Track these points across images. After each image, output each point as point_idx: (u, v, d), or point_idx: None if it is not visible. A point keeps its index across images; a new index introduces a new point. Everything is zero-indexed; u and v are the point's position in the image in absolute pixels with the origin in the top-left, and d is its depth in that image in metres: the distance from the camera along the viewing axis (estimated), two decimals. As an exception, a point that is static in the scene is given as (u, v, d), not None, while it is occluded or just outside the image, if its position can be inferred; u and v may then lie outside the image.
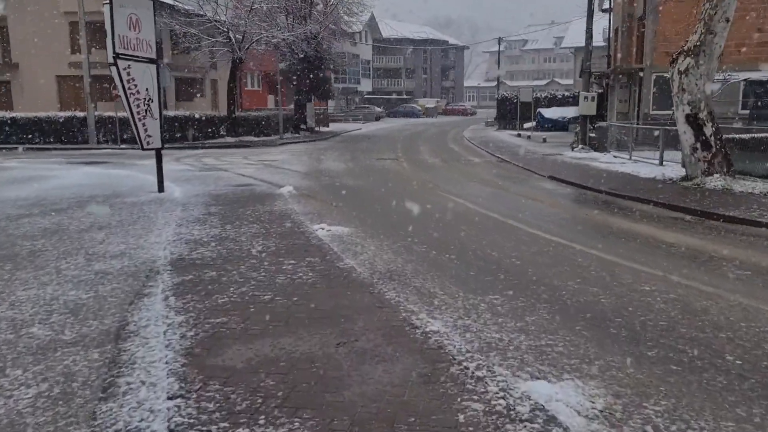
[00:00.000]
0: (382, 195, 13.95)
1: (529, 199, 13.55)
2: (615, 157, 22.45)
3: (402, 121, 62.52)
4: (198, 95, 40.51)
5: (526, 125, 40.79)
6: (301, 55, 36.38)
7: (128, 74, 12.24)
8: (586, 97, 24.69)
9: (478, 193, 14.31)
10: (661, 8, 28.68)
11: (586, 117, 25.04)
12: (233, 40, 30.78)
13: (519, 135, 37.50)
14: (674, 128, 21.77)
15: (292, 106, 43.06)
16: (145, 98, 12.69)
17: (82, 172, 17.59)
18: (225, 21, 30.23)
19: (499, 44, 62.32)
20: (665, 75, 28.61)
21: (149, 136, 12.87)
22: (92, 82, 30.08)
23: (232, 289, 6.32)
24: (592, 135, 24.91)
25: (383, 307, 5.68)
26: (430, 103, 78.33)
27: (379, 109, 65.95)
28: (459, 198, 13.34)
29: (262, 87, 49.12)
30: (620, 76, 35.81)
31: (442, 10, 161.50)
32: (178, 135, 30.11)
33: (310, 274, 6.86)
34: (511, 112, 45.31)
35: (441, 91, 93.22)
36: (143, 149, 12.96)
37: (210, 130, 31.93)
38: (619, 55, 36.53)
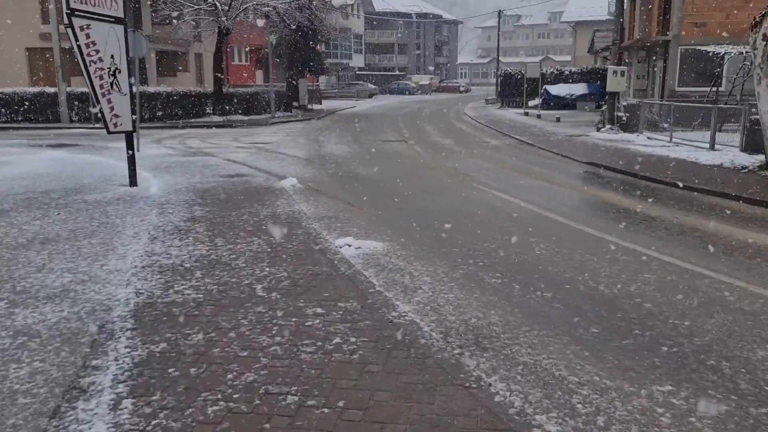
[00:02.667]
0: (405, 189, 11.41)
1: (587, 194, 11.09)
2: (650, 138, 20.06)
3: (396, 99, 59.65)
4: (181, 70, 37.50)
5: (530, 103, 38.18)
6: (294, 26, 33.47)
7: (87, 36, 9.54)
8: (615, 72, 22.14)
9: (523, 186, 11.80)
10: (690, -26, 26.09)
11: (614, 94, 22.53)
12: (219, 8, 27.83)
13: (526, 113, 34.95)
14: (727, 107, 19.43)
15: (282, 83, 40.17)
16: (109, 68, 10.00)
17: (43, 158, 14.85)
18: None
19: (499, 17, 59.43)
20: (695, 48, 26.23)
21: (116, 116, 10.19)
22: (65, 54, 27.13)
23: (230, 375, 3.80)
24: (620, 114, 22.44)
25: (503, 431, 3.19)
26: (423, 79, 75.43)
27: (372, 86, 62.99)
28: (503, 193, 10.82)
29: (251, 62, 46.09)
30: (638, 50, 33.32)
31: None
32: (160, 113, 27.30)
33: (352, 338, 4.35)
34: (515, 89, 42.70)
35: (435, 67, 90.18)
36: (109, 132, 10.30)
37: (195, 107, 29.10)
38: (636, 28, 33.90)
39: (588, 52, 43.98)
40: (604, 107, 23.56)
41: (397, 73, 79.70)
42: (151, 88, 27.52)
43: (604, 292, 5.65)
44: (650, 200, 10.36)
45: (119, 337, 4.41)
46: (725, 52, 21.93)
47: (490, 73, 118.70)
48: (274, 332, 4.47)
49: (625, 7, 38.60)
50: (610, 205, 9.90)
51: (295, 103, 36.60)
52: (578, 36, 68.15)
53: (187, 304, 5.05)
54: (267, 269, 6.02)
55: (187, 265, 6.15)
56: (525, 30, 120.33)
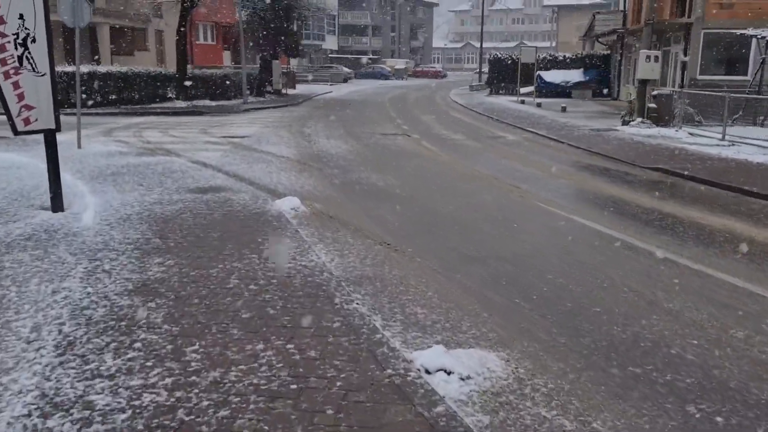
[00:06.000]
0: (452, 212, 8.16)
1: (709, 223, 7.95)
2: (692, 135, 17.17)
3: (373, 83, 56.14)
4: (140, 48, 33.37)
5: (523, 90, 35.13)
6: (268, 0, 29.72)
7: (-26, -18, 6.02)
8: (648, 57, 19.11)
9: (607, 208, 8.61)
10: (717, -52, 23.18)
11: (645, 82, 19.52)
12: (183, -25, 24.00)
13: (523, 102, 31.87)
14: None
15: (251, 65, 36.37)
16: (16, 35, 6.47)
17: (-54, 159, 11.15)
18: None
19: (483, -1, 56.24)
20: (725, 31, 23.39)
21: (28, 107, 6.65)
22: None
23: None
24: (651, 105, 19.47)
25: None
26: (399, 64, 71.86)
27: (347, 70, 59.29)
28: (593, 222, 7.61)
29: (218, 41, 42.01)
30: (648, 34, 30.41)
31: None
32: (113, 97, 23.41)
33: None
34: (505, 75, 39.62)
35: (410, 51, 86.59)
36: (16, 133, 6.77)
37: (155, 91, 25.24)
38: (645, 10, 30.95)
39: (584, 36, 41.04)
40: (633, 97, 20.54)
41: (371, 56, 76.04)
42: (102, 68, 23.60)
43: None
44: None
45: None
46: (772, 35, 19.08)
47: (464, 58, 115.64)
48: None
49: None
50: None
51: (268, 88, 32.88)
52: (561, 20, 65.44)
53: None
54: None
55: (126, 455, 2.79)
56: (499, 15, 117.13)
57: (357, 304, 4.62)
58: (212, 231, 6.60)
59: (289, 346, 3.89)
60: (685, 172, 11.34)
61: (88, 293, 4.72)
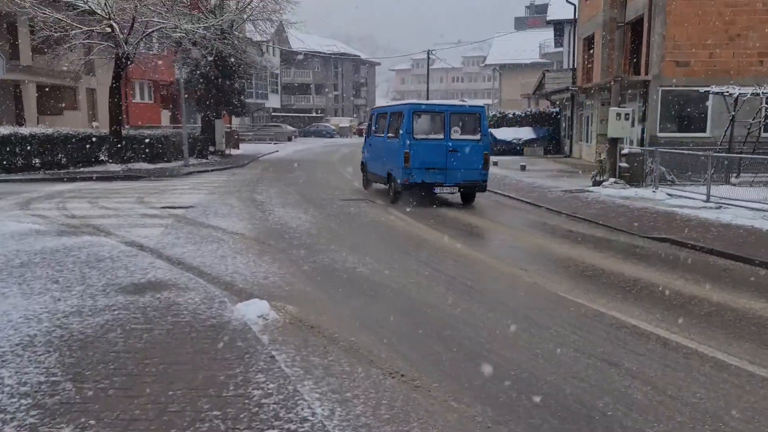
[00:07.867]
0: (467, 314, 6.45)
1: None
2: (670, 195, 16.24)
3: (318, 142, 55.01)
4: (68, 107, 30.98)
5: (473, 148, 34.24)
6: (210, 58, 28.08)
7: None
8: (618, 115, 18.22)
9: (639, 299, 7.08)
10: (670, 8, 22.97)
11: (616, 141, 18.61)
12: (117, 30, 22.11)
13: (477, 160, 30.78)
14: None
15: (192, 124, 34.49)
16: None
17: None
18: (105, 3, 21.46)
19: (428, 57, 56.28)
20: (683, 88, 23.03)
21: None
22: None
23: None
24: (623, 165, 18.55)
25: None
26: (343, 122, 71.27)
27: (291, 128, 57.95)
28: (644, 322, 6.04)
29: (155, 99, 39.93)
30: (600, 91, 30.25)
31: (343, 28, 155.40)
32: (37, 161, 21.00)
33: None
34: (456, 133, 38.91)
35: (353, 109, 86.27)
36: None
37: (86, 153, 22.90)
38: (597, 69, 30.88)
39: (533, 94, 40.93)
40: (603, 156, 19.59)
41: (315, 114, 75.24)
42: (24, 130, 21.21)
43: None
44: None
45: None
46: (739, 93, 18.57)
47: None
48: None
49: (568, 48, 35.96)
50: None
51: (211, 148, 30.94)
52: (503, 79, 66.18)
53: None
54: None
55: None
56: (439, 73, 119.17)
57: None
58: (152, 363, 4.64)
59: None
60: (699, 244, 10.06)
61: None
